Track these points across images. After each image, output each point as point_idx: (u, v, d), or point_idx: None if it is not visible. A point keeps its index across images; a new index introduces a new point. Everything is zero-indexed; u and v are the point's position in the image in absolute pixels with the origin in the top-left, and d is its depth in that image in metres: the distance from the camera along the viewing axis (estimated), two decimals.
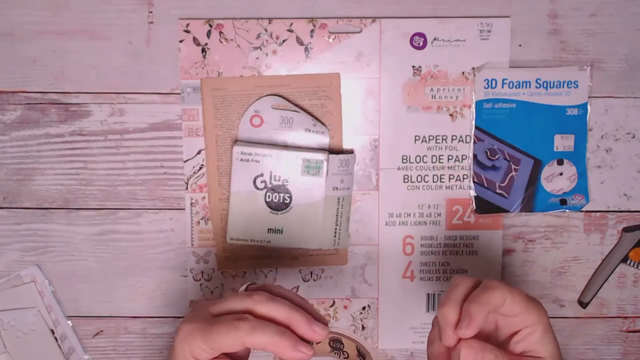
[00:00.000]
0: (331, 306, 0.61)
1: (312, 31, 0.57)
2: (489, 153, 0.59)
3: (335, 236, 0.58)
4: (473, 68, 0.58)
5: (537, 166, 0.59)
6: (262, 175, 0.56)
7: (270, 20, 0.57)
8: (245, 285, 0.42)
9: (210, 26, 0.57)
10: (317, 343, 0.40)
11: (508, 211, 0.59)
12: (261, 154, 0.56)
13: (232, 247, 0.59)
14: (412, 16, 0.57)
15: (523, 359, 0.40)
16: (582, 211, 0.60)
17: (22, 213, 0.60)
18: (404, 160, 0.59)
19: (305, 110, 0.58)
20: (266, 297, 0.39)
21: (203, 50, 0.57)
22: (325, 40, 0.57)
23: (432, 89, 0.58)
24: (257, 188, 0.57)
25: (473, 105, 0.58)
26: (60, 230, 0.60)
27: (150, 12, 0.57)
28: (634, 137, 0.59)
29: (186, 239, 0.60)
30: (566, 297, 0.62)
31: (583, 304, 0.62)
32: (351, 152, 0.58)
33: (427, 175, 0.59)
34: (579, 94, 0.58)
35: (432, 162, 0.59)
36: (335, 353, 0.43)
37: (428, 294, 0.61)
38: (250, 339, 0.37)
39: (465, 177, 0.59)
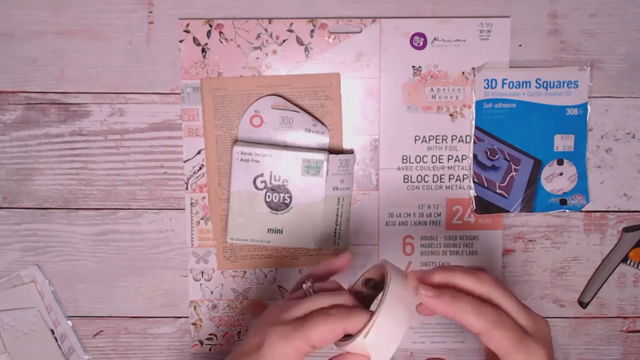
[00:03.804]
0: None
1: (312, 31, 0.57)
2: (489, 153, 0.59)
3: (335, 236, 0.58)
4: (473, 68, 0.58)
5: (537, 166, 0.59)
6: (262, 175, 0.56)
7: (270, 20, 0.57)
8: (309, 281, 0.43)
9: (210, 26, 0.57)
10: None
11: (508, 211, 0.59)
12: (261, 154, 0.56)
13: (232, 247, 0.59)
14: (412, 16, 0.57)
15: None
16: (582, 211, 0.60)
17: (22, 213, 0.60)
18: (404, 160, 0.59)
19: (305, 110, 0.58)
20: (333, 292, 0.42)
21: (203, 50, 0.57)
22: (325, 40, 0.57)
23: (432, 89, 0.58)
24: (257, 188, 0.57)
25: (473, 105, 0.58)
26: (60, 230, 0.60)
27: (150, 12, 0.57)
28: (634, 137, 0.59)
29: (186, 239, 0.60)
30: (566, 297, 0.62)
31: (583, 304, 0.62)
32: (351, 152, 0.58)
33: (427, 175, 0.59)
34: (579, 94, 0.58)
35: (432, 162, 0.59)
36: (372, 289, 0.45)
37: None
38: (345, 321, 0.39)
39: (465, 177, 0.59)
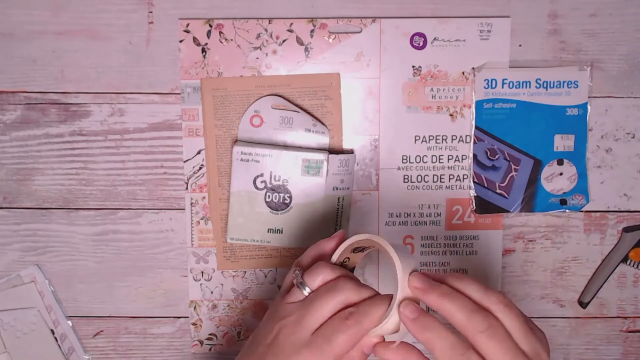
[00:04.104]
0: None
1: (312, 31, 0.57)
2: (489, 153, 0.59)
3: None
4: (473, 68, 0.58)
5: (537, 166, 0.59)
6: (262, 175, 0.56)
7: (270, 20, 0.57)
8: (299, 275, 0.43)
9: (210, 26, 0.57)
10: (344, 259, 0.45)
11: (508, 211, 0.59)
12: (261, 154, 0.56)
13: (232, 247, 0.59)
14: (412, 16, 0.57)
15: None
16: (582, 211, 0.60)
17: (22, 213, 0.60)
18: (404, 160, 0.59)
19: (305, 110, 0.58)
20: (333, 286, 0.41)
21: (203, 50, 0.57)
22: (325, 40, 0.57)
23: (432, 89, 0.58)
24: (257, 188, 0.57)
25: (473, 105, 0.58)
26: (60, 230, 0.60)
27: (150, 12, 0.57)
28: (634, 137, 0.59)
29: (186, 239, 0.60)
30: (566, 297, 0.62)
31: (583, 304, 0.62)
32: (351, 152, 0.58)
33: (427, 175, 0.59)
34: (579, 94, 0.58)
35: (432, 162, 0.59)
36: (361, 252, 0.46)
37: None
38: (363, 326, 0.39)
39: (465, 177, 0.59)
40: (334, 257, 0.44)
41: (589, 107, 0.58)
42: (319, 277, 0.42)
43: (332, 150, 0.58)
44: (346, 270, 0.43)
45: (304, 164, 0.56)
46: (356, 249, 0.44)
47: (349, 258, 0.45)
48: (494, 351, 0.36)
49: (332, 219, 0.57)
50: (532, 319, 0.62)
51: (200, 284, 0.60)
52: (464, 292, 0.38)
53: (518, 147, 0.58)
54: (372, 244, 0.42)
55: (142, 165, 0.59)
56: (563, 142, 0.59)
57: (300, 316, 0.40)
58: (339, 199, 0.57)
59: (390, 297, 0.40)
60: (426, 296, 0.38)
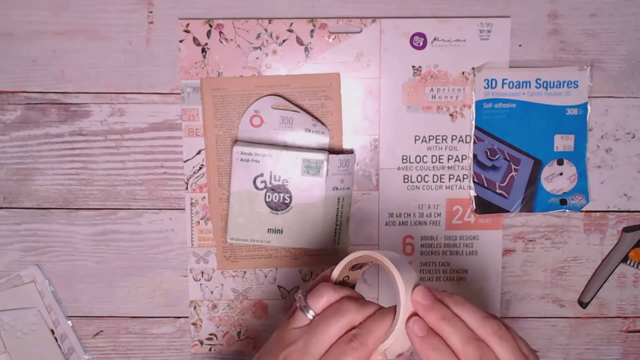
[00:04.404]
0: None
1: (312, 31, 0.57)
2: (489, 153, 0.59)
3: (335, 236, 0.58)
4: (473, 68, 0.58)
5: (537, 166, 0.59)
6: (262, 175, 0.56)
7: (270, 20, 0.57)
8: (302, 298, 0.43)
9: (210, 26, 0.57)
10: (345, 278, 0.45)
11: (508, 211, 0.59)
12: (261, 154, 0.56)
13: (232, 247, 0.59)
14: (412, 16, 0.57)
15: None
16: (582, 211, 0.60)
17: (22, 213, 0.60)
18: (404, 160, 0.59)
19: (305, 110, 0.58)
20: (336, 309, 0.41)
21: (203, 50, 0.57)
22: (325, 40, 0.57)
23: (432, 89, 0.58)
24: (257, 188, 0.57)
25: (473, 105, 0.58)
26: (60, 230, 0.60)
27: (150, 12, 0.57)
28: (634, 137, 0.59)
29: (186, 239, 0.60)
30: (566, 297, 0.62)
31: (583, 304, 0.62)
32: (351, 152, 0.58)
33: (427, 175, 0.59)
34: (579, 94, 0.58)
35: (432, 162, 0.59)
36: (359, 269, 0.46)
37: None
38: (368, 346, 0.39)
39: (465, 177, 0.59)
40: (334, 275, 0.44)
41: (589, 107, 0.58)
42: (323, 299, 0.42)
43: (332, 150, 0.58)
44: (349, 289, 0.43)
45: (304, 164, 0.56)
46: (355, 266, 0.44)
47: (348, 276, 0.45)
48: None
49: (332, 219, 0.57)
50: (532, 319, 0.63)
51: (200, 284, 0.60)
52: (462, 318, 0.39)
53: (518, 147, 0.58)
54: (370, 260, 0.42)
55: (142, 165, 0.59)
56: (563, 142, 0.59)
57: (306, 343, 0.40)
58: (339, 199, 0.57)
59: (392, 310, 0.40)
60: (427, 314, 0.39)
